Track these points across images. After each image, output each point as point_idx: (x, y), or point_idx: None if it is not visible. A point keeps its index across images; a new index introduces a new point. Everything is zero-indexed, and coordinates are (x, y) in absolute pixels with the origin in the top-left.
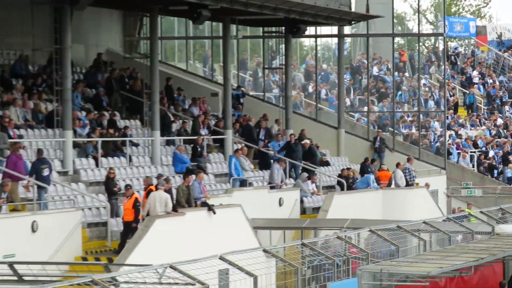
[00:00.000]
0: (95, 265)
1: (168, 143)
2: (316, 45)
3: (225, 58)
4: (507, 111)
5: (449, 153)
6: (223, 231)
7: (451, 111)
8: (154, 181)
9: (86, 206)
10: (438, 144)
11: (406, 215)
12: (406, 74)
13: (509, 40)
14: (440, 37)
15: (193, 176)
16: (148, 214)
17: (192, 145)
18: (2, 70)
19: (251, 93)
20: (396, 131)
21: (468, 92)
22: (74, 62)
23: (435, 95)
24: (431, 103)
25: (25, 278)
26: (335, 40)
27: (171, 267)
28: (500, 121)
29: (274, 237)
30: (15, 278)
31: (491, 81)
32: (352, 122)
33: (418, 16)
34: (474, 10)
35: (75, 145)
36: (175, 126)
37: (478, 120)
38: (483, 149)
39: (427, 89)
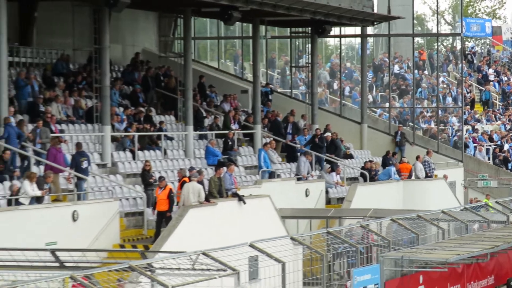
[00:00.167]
0: (132, 252)
1: (201, 137)
2: (340, 45)
3: (254, 57)
4: None
5: (466, 147)
6: (253, 220)
7: (468, 107)
8: (188, 173)
9: (124, 196)
10: (455, 138)
11: (426, 205)
12: (426, 72)
13: None
14: (457, 37)
15: (225, 168)
16: (182, 204)
17: (223, 139)
18: (45, 69)
19: (279, 90)
20: (416, 125)
21: (484, 89)
22: (112, 61)
23: (453, 92)
24: (449, 99)
25: (66, 264)
26: (359, 40)
27: (203, 254)
28: None
29: (301, 225)
30: (57, 264)
31: (506, 78)
32: (374, 117)
33: (437, 17)
34: (489, 12)
35: (113, 139)
36: (207, 121)
37: (493, 115)
38: (498, 142)
39: (445, 86)
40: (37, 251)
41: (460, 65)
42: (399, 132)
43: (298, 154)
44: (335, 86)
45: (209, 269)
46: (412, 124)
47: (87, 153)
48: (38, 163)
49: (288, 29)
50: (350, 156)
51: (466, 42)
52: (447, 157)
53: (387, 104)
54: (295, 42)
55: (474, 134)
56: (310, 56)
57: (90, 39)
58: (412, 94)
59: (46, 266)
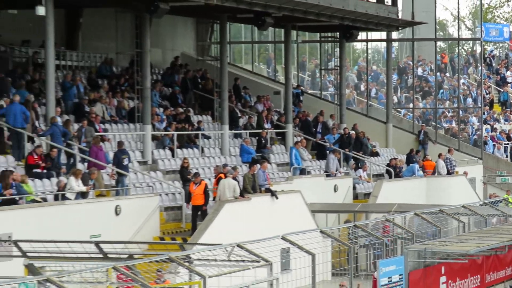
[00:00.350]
0: (171, 244)
1: (236, 136)
2: (367, 49)
3: (286, 60)
4: None
5: (485, 145)
6: (285, 214)
7: (487, 107)
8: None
9: (163, 192)
10: (475, 136)
11: (447, 200)
12: (447, 74)
13: None
14: (477, 41)
15: (258, 165)
16: (218, 199)
17: (257, 137)
18: (90, 71)
19: (309, 92)
20: (438, 125)
21: (502, 90)
22: (153, 64)
23: (473, 93)
24: (469, 100)
25: (110, 255)
26: (384, 44)
27: (238, 246)
28: None
29: (330, 219)
30: (100, 255)
31: None
32: (399, 117)
33: (458, 22)
34: (508, 17)
35: (154, 137)
36: (242, 121)
37: (511, 115)
38: None
39: (465, 87)
40: (82, 243)
41: (480, 68)
42: (422, 131)
43: (327, 152)
44: (362, 87)
45: (243, 260)
46: (434, 123)
47: (128, 151)
48: (83, 160)
49: (318, 34)
50: (376, 154)
51: (486, 46)
52: (468, 154)
53: (411, 105)
54: (325, 46)
55: (493, 133)
56: (338, 59)
57: (132, 44)
58: (434, 95)
59: (90, 257)
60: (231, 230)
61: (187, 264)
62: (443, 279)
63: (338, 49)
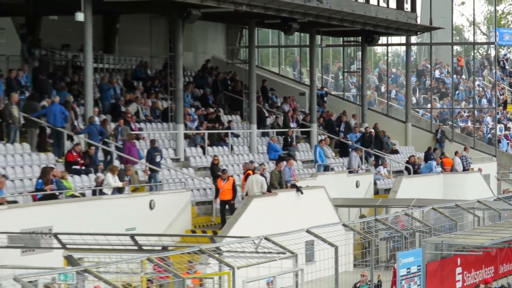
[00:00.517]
0: (202, 237)
1: (263, 134)
2: (387, 52)
3: (311, 63)
4: None
5: (499, 143)
6: (309, 209)
7: (501, 107)
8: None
9: (195, 187)
10: (490, 135)
11: (463, 195)
12: (463, 76)
13: None
14: (491, 45)
15: (284, 162)
16: (246, 194)
17: (283, 136)
18: (125, 74)
19: (333, 93)
20: (454, 124)
21: None
22: (185, 67)
23: (488, 94)
24: (484, 101)
25: (144, 247)
26: (403, 48)
27: (265, 238)
28: None
29: (352, 213)
30: (135, 247)
31: None
32: (417, 117)
33: (473, 27)
34: None
35: (186, 136)
36: (269, 120)
37: None
38: None
39: (480, 89)
40: (118, 236)
41: (494, 70)
42: (440, 130)
43: (350, 149)
44: (383, 89)
45: (270, 252)
46: (451, 123)
47: (162, 149)
48: (119, 157)
49: (341, 38)
50: (396, 152)
51: (499, 50)
52: (482, 152)
53: (428, 105)
54: (347, 50)
55: (506, 132)
56: (360, 62)
57: (166, 48)
58: (451, 96)
59: (126, 249)
60: (258, 224)
61: (217, 255)
62: (458, 270)
63: (360, 52)
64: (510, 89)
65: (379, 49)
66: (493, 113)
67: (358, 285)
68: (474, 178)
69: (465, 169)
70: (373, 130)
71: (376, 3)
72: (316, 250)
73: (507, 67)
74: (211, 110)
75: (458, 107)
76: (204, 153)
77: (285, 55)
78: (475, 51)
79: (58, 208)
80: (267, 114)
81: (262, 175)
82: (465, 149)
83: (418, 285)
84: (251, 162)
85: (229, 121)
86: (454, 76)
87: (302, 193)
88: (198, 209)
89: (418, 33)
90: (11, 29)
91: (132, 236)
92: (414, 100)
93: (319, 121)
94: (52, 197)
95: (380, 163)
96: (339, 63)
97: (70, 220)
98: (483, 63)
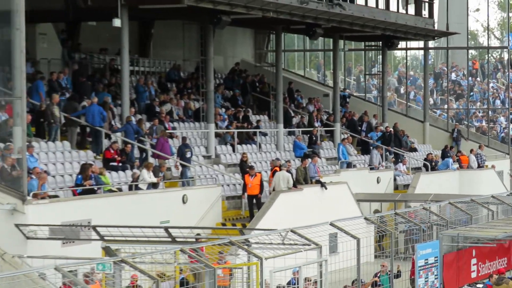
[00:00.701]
0: (232, 229)
1: (290, 133)
2: (406, 56)
3: (334, 66)
4: None
5: None
6: (333, 203)
7: None
8: (276, 163)
9: (225, 183)
10: (503, 134)
11: (478, 190)
12: (478, 79)
13: None
14: (505, 50)
15: (309, 160)
16: (273, 189)
17: (308, 135)
18: (160, 76)
19: (355, 94)
20: (469, 124)
21: None
22: (216, 69)
23: (501, 96)
24: (497, 102)
25: (177, 239)
26: (422, 52)
27: (291, 231)
28: None
29: (373, 207)
30: (169, 239)
31: None
32: (434, 117)
33: (488, 33)
34: None
35: (217, 135)
36: (295, 120)
37: None
38: None
39: (494, 90)
40: (153, 228)
41: (507, 73)
42: (456, 129)
43: (371, 147)
44: (402, 90)
45: (296, 244)
46: (466, 122)
47: (194, 147)
48: (154, 154)
49: (363, 43)
50: (414, 150)
51: None
52: (496, 150)
53: (445, 106)
54: (368, 54)
55: None
56: (381, 65)
57: (197, 52)
58: (466, 97)
59: (160, 241)
60: (285, 217)
61: (246, 247)
62: (473, 261)
63: (380, 56)
64: None
65: (398, 53)
66: (506, 114)
67: (378, 275)
68: (488, 175)
69: (479, 166)
70: (393, 129)
71: (395, 10)
72: (339, 242)
73: None
74: (240, 110)
75: (473, 107)
76: (233, 150)
77: (310, 58)
78: (489, 55)
79: (96, 202)
80: (293, 114)
81: (288, 171)
82: (480, 147)
83: (435, 275)
84: (278, 159)
85: (257, 121)
86: (470, 78)
87: (326, 188)
88: (228, 203)
89: (436, 38)
90: (53, 35)
91: (166, 229)
92: (431, 101)
93: (342, 121)
94: (91, 192)
95: (399, 160)
96: (361, 66)
97: (107, 213)
98: (497, 66)
